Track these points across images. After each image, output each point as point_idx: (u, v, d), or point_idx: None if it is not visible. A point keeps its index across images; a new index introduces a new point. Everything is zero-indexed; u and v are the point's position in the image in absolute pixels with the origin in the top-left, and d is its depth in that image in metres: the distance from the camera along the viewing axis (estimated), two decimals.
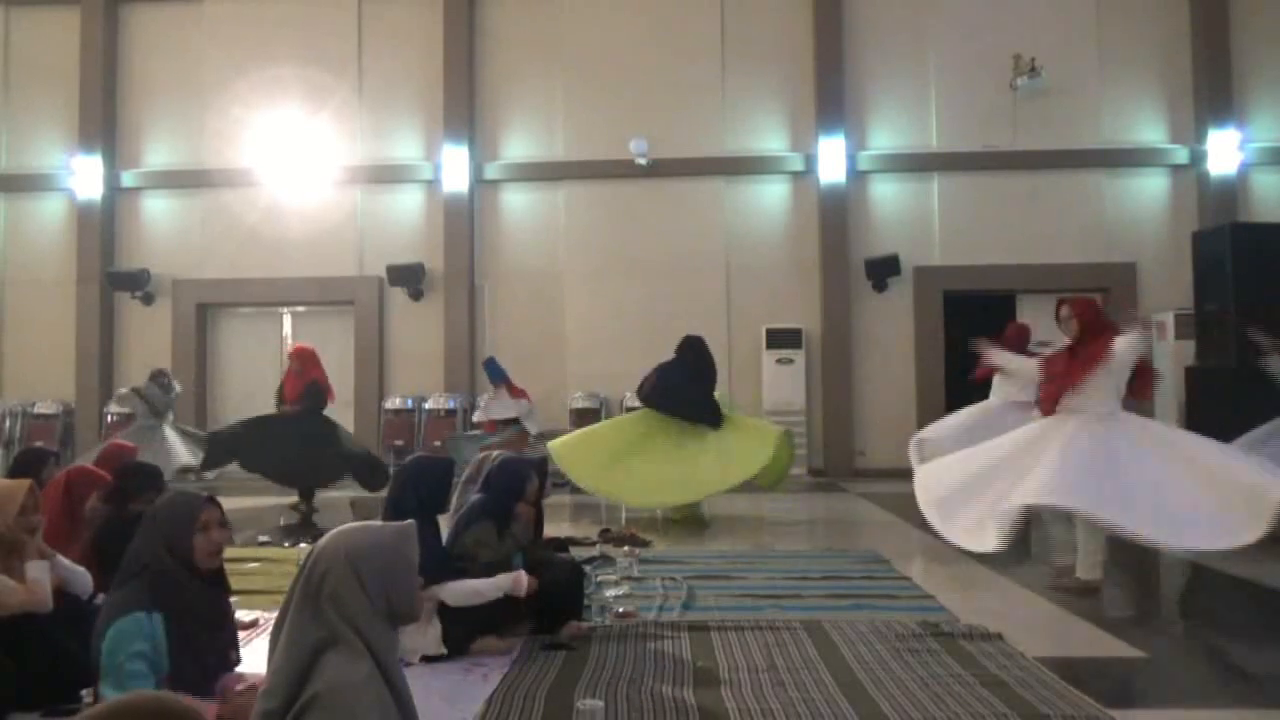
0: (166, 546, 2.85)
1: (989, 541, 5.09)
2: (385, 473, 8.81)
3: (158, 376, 9.60)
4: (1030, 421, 5.89)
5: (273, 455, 8.52)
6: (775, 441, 8.10)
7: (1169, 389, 10.04)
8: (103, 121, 12.58)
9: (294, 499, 8.86)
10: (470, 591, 4.03)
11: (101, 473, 4.40)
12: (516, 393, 9.92)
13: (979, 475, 5.53)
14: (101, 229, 12.51)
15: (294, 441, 8.43)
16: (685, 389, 8.06)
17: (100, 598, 3.52)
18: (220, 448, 8.80)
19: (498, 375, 9.98)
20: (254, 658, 3.28)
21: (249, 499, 8.97)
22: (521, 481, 4.52)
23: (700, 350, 8.20)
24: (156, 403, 9.46)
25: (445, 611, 4.01)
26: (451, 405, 11.70)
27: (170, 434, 9.29)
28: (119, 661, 2.67)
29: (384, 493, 8.71)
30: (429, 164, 12.37)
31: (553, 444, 8.20)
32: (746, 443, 8.02)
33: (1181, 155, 11.75)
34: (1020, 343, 7.47)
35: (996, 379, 7.74)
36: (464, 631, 4.04)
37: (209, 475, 10.26)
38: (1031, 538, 6.77)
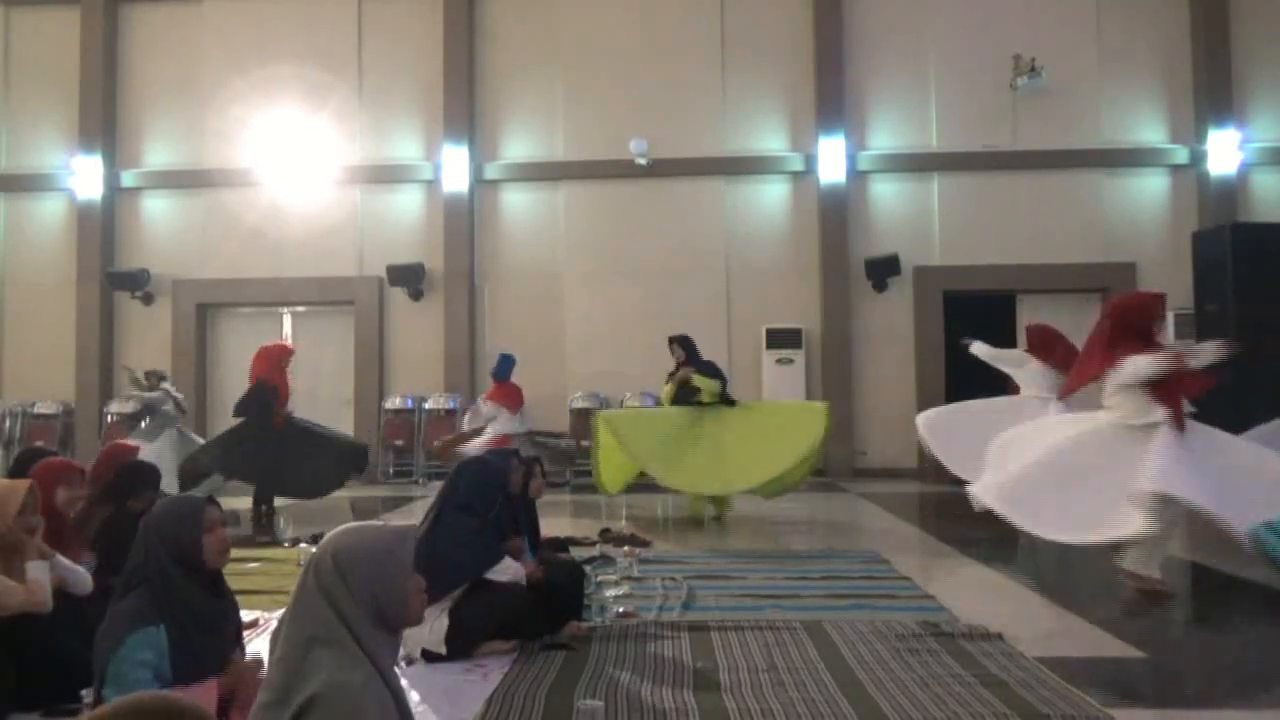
0: (172, 552, 2.85)
1: (1130, 528, 4.87)
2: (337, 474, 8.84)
3: (149, 376, 9.48)
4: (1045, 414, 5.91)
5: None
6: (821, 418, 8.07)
7: None
8: (103, 121, 12.58)
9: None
10: (504, 570, 4.21)
11: (74, 463, 4.27)
12: (504, 394, 9.47)
13: (1066, 471, 5.25)
14: (101, 229, 12.51)
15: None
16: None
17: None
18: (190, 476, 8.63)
19: (504, 373, 9.55)
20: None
21: (247, 500, 8.94)
22: (494, 486, 4.39)
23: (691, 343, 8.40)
24: (149, 404, 9.40)
25: (457, 614, 4.01)
26: (452, 405, 11.68)
27: (157, 445, 8.82)
28: (124, 670, 2.69)
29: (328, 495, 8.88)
30: (429, 164, 12.36)
31: (603, 414, 8.34)
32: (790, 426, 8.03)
33: (1181, 155, 11.75)
34: (1048, 343, 7.45)
35: (1023, 379, 7.67)
36: (471, 636, 4.04)
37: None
38: (1021, 540, 6.74)
